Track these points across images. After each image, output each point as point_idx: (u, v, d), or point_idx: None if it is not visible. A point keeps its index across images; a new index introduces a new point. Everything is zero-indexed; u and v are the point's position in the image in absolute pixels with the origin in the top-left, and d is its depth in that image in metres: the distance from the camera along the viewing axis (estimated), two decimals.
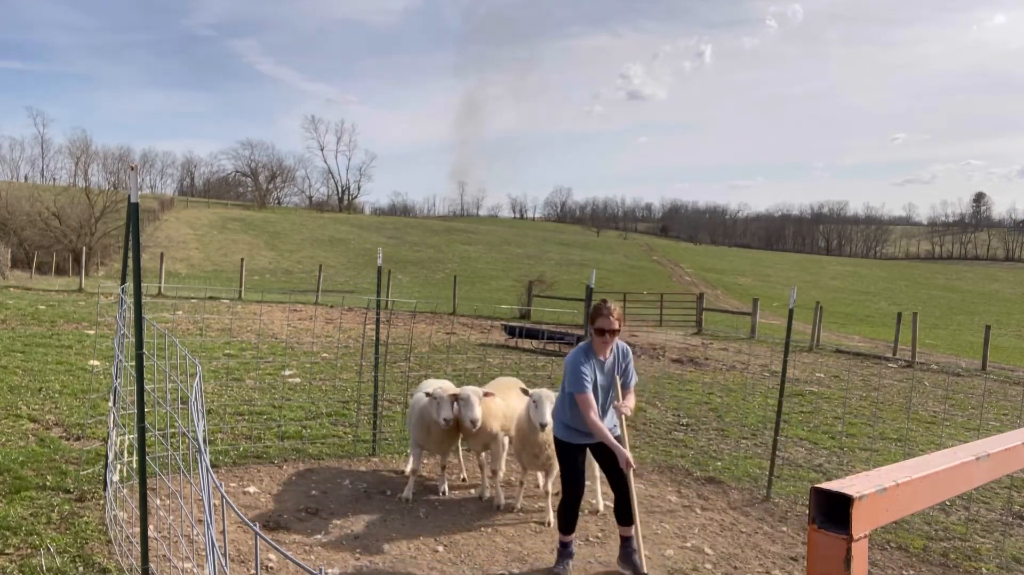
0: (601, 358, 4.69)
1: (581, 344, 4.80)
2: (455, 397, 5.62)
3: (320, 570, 2.06)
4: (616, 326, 4.61)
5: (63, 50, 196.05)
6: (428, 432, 5.87)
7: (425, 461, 6.91)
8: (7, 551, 4.31)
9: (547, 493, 5.75)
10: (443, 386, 5.93)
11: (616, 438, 4.63)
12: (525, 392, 5.44)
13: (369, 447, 7.12)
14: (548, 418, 4.93)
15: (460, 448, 6.64)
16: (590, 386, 4.53)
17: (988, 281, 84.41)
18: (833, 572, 1.07)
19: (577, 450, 4.75)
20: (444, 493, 6.06)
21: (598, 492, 6.01)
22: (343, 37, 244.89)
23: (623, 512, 4.76)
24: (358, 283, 47.56)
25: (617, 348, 4.80)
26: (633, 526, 4.69)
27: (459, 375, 10.43)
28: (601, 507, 5.91)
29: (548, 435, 5.24)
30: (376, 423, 7.20)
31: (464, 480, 6.54)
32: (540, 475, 5.90)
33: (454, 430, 5.98)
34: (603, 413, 4.68)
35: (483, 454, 6.17)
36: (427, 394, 5.74)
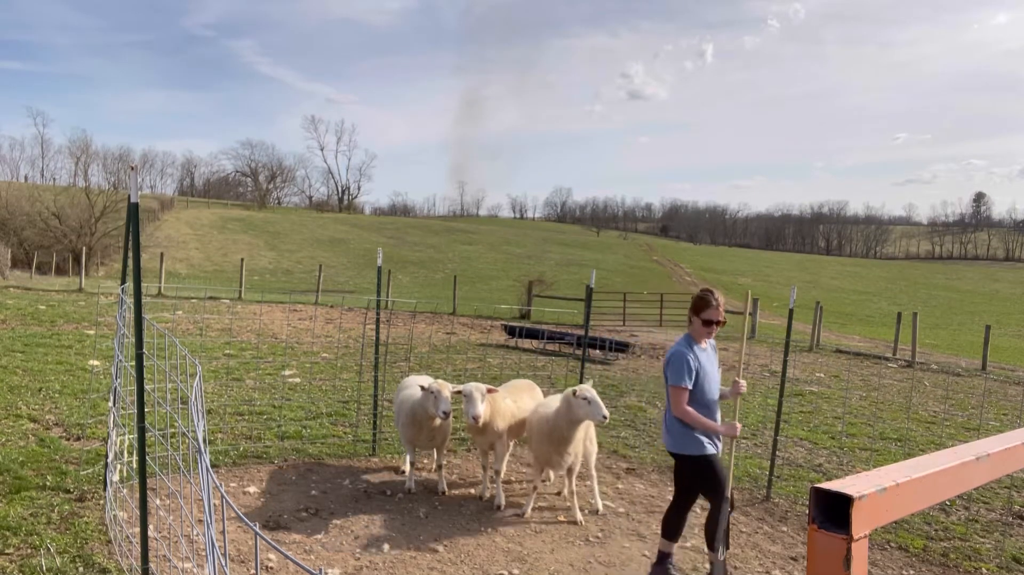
0: (702, 346, 4.58)
1: (682, 338, 4.65)
2: (458, 393, 5.63)
3: (320, 570, 2.06)
4: (719, 316, 4.51)
5: (63, 50, 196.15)
6: (420, 428, 5.86)
7: (425, 460, 6.91)
8: (7, 551, 4.31)
9: (572, 493, 5.76)
10: (440, 383, 5.91)
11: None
12: (573, 393, 5.40)
13: (369, 447, 7.11)
14: (605, 411, 5.15)
15: (449, 447, 6.64)
16: (691, 382, 4.43)
17: (988, 281, 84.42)
18: (833, 572, 1.07)
19: (714, 457, 4.56)
20: (443, 492, 6.05)
21: (596, 491, 6.02)
22: (342, 37, 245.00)
23: (710, 534, 4.61)
24: (358, 283, 47.57)
25: (710, 340, 4.72)
26: (719, 554, 4.53)
27: (459, 375, 10.43)
28: (600, 507, 5.92)
29: (581, 432, 5.45)
30: (376, 423, 7.20)
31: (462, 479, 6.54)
32: (563, 477, 5.91)
33: (447, 425, 6.00)
34: (714, 402, 4.55)
35: (489, 453, 6.16)
36: (422, 387, 5.73)
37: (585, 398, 5.21)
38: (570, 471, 5.68)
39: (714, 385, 4.55)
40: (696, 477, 4.53)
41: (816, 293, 51.33)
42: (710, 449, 4.48)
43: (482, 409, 5.51)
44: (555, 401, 5.81)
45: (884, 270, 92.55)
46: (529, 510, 5.72)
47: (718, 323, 4.54)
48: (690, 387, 4.41)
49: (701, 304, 4.54)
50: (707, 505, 4.63)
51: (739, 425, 4.51)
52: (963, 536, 5.80)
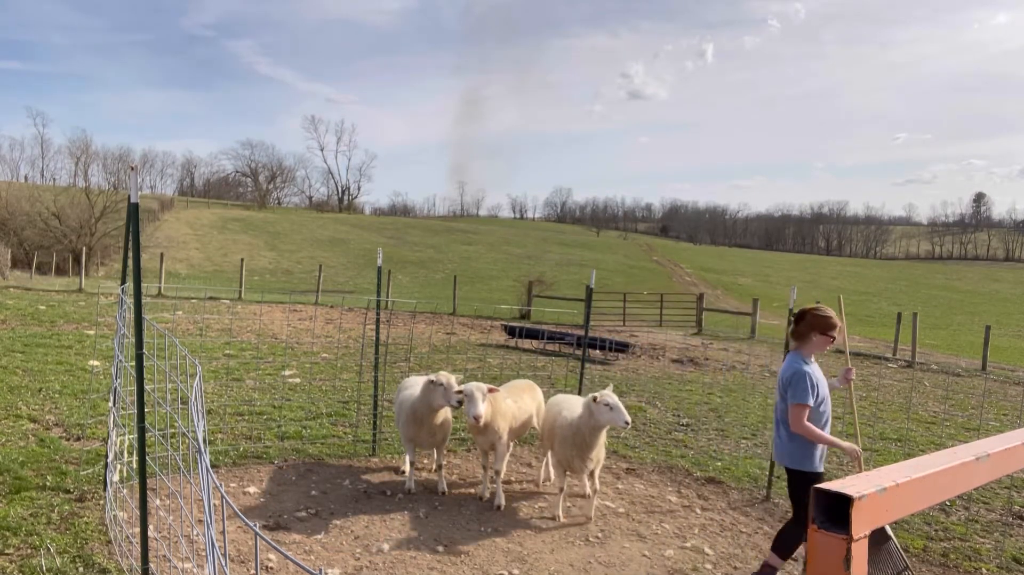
0: (814, 360, 4.68)
1: (794, 354, 4.67)
2: (459, 392, 5.63)
3: (320, 570, 2.06)
4: (836, 332, 4.61)
5: (63, 50, 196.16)
6: (421, 425, 5.87)
7: (425, 460, 6.91)
8: (7, 551, 4.31)
9: (595, 492, 5.80)
10: (447, 375, 5.92)
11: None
12: (593, 399, 5.45)
13: (369, 447, 7.11)
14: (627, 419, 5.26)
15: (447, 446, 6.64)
16: (814, 399, 4.47)
17: (988, 281, 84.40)
18: (833, 572, 1.07)
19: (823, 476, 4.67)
20: (444, 492, 6.05)
21: (592, 500, 6.04)
22: (342, 37, 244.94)
23: (786, 540, 4.71)
24: (358, 283, 47.57)
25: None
26: (784, 561, 4.74)
27: (459, 375, 10.42)
28: (592, 515, 5.94)
29: (604, 437, 5.55)
30: (376, 423, 7.20)
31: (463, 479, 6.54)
32: (587, 479, 5.92)
33: (447, 424, 6.01)
34: (828, 415, 4.60)
35: (489, 453, 6.16)
36: (430, 381, 5.75)
37: (607, 404, 5.26)
38: (591, 475, 5.71)
39: (827, 398, 4.62)
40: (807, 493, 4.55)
41: (816, 293, 51.34)
42: (821, 467, 4.57)
43: (483, 408, 5.51)
44: (570, 402, 5.86)
45: (884, 270, 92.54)
46: (561, 515, 5.67)
47: (834, 339, 4.65)
48: (812, 404, 4.46)
49: (828, 325, 4.56)
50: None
51: (859, 448, 4.54)
52: (963, 536, 5.80)
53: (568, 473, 5.77)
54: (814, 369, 4.55)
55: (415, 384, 6.16)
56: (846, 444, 4.51)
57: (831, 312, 4.63)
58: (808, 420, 4.45)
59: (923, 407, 11.45)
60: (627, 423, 5.23)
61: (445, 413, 5.98)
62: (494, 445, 5.92)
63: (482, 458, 6.25)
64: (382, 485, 6.17)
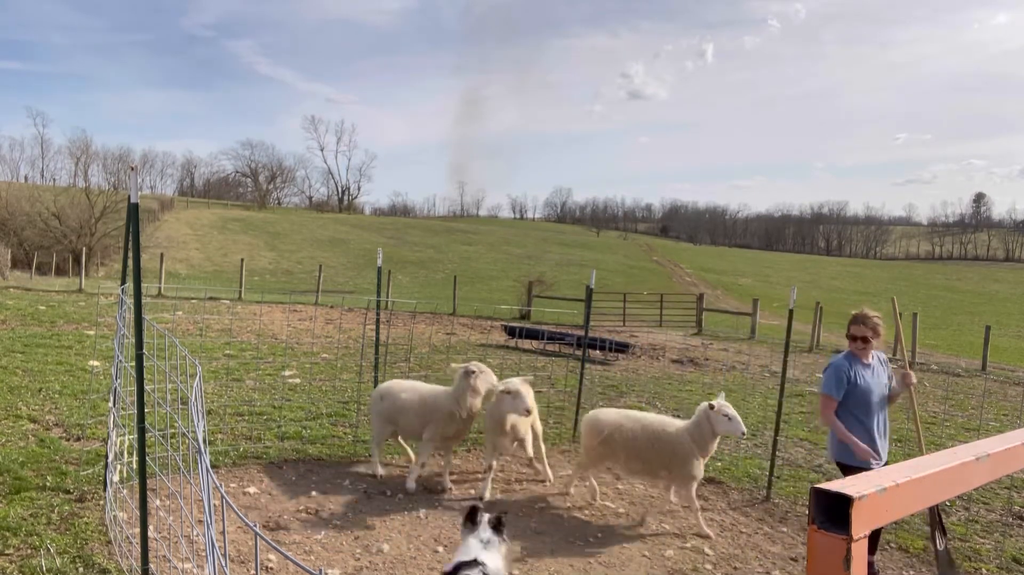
0: (865, 362, 4.78)
1: (844, 352, 4.91)
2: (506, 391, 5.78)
3: (320, 570, 2.06)
4: (864, 332, 4.74)
5: (63, 50, 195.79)
6: (504, 431, 5.96)
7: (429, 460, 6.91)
8: (7, 552, 4.31)
9: (697, 511, 5.61)
10: (520, 382, 5.99)
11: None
12: (708, 406, 5.42)
13: (369, 447, 7.11)
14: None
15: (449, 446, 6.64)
16: (840, 392, 4.68)
17: (988, 281, 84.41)
18: (833, 572, 1.07)
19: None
20: (450, 490, 6.13)
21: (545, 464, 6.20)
22: (342, 37, 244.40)
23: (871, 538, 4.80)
24: (358, 283, 47.57)
25: (877, 356, 4.87)
26: (875, 554, 4.91)
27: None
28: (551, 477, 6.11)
29: (716, 444, 5.54)
30: None
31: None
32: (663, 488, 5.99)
33: (471, 422, 6.22)
34: (873, 416, 4.69)
35: (493, 454, 6.20)
36: (505, 390, 5.80)
37: (726, 415, 5.24)
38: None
39: (871, 398, 4.69)
40: None
41: (816, 293, 51.30)
42: (864, 463, 4.61)
43: (533, 403, 5.78)
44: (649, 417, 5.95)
45: (884, 270, 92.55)
46: (708, 531, 5.56)
47: (862, 338, 4.75)
48: (837, 397, 4.66)
49: (849, 320, 4.82)
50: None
51: (873, 455, 4.58)
52: (963, 536, 5.80)
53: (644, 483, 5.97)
54: (855, 366, 4.71)
55: (411, 389, 6.35)
56: (861, 446, 4.57)
57: (859, 314, 4.82)
58: (840, 414, 4.65)
59: (923, 407, 11.44)
60: (743, 433, 5.25)
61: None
62: (523, 440, 6.11)
63: (487, 458, 6.24)
64: (382, 485, 6.18)
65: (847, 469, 4.66)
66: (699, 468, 5.48)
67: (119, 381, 4.75)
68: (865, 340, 4.76)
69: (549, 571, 4.76)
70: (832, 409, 4.66)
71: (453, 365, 6.44)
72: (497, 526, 3.46)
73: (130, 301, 3.79)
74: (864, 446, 4.58)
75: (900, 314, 5.37)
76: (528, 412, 5.68)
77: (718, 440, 5.52)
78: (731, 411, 5.27)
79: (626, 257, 78.86)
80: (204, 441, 2.75)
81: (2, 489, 5.25)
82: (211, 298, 22.41)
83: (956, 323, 46.00)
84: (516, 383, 5.76)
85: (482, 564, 3.17)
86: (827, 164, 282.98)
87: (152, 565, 3.68)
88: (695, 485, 5.52)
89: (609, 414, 6.07)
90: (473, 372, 5.99)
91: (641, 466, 5.68)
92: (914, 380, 4.85)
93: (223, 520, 2.78)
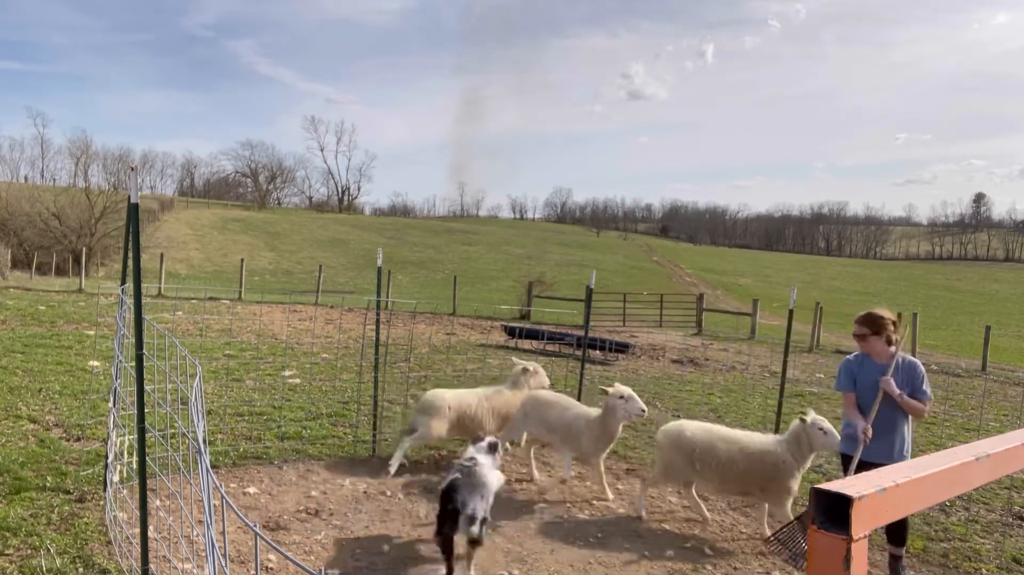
0: (879, 362, 4.89)
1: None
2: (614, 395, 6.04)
3: (320, 570, 2.06)
4: (862, 330, 4.93)
5: (63, 50, 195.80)
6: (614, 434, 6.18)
7: (424, 457, 6.91)
8: (7, 552, 4.31)
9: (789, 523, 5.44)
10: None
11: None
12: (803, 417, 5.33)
13: (369, 448, 7.11)
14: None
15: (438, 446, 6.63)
16: (846, 386, 4.97)
17: (988, 281, 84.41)
18: (833, 572, 1.07)
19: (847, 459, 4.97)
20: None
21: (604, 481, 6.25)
22: (342, 37, 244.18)
23: (896, 531, 4.93)
24: (358, 283, 47.57)
25: (902, 360, 4.89)
26: (904, 547, 5.01)
27: (459, 376, 10.42)
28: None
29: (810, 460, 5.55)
30: (376, 424, 7.20)
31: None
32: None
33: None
34: (871, 413, 4.78)
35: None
36: (621, 397, 5.97)
37: (822, 429, 5.17)
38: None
39: (867, 392, 4.85)
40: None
41: (816, 294, 51.29)
42: (846, 451, 4.92)
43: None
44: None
45: (884, 271, 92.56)
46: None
47: (859, 336, 4.96)
48: (846, 390, 4.97)
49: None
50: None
51: (862, 424, 4.73)
52: (963, 537, 5.80)
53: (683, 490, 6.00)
54: (864, 364, 4.92)
55: (444, 397, 6.65)
56: (859, 422, 4.75)
57: (861, 315, 5.02)
58: (849, 405, 4.94)
59: None
60: (837, 448, 5.15)
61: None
62: (549, 444, 6.67)
63: (527, 454, 6.85)
64: (382, 485, 6.17)
65: (844, 459, 4.97)
66: (796, 484, 5.39)
67: (119, 381, 4.75)
68: (861, 337, 4.93)
69: (549, 571, 4.76)
70: (849, 403, 4.93)
71: (514, 358, 7.43)
72: (491, 449, 4.85)
73: (130, 301, 3.79)
74: (864, 423, 4.72)
75: (900, 314, 5.42)
76: (643, 412, 5.97)
77: (814, 455, 5.41)
78: (826, 424, 5.18)
79: (626, 257, 78.86)
80: (204, 441, 2.75)
81: (2, 489, 5.25)
82: (211, 298, 22.41)
83: (956, 323, 46.00)
84: (624, 389, 6.06)
85: (474, 459, 4.64)
86: (827, 164, 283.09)
87: (152, 565, 3.68)
88: (791, 501, 5.43)
89: (695, 430, 5.69)
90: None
91: (737, 487, 5.54)
92: (887, 387, 4.73)
93: (223, 520, 2.78)
